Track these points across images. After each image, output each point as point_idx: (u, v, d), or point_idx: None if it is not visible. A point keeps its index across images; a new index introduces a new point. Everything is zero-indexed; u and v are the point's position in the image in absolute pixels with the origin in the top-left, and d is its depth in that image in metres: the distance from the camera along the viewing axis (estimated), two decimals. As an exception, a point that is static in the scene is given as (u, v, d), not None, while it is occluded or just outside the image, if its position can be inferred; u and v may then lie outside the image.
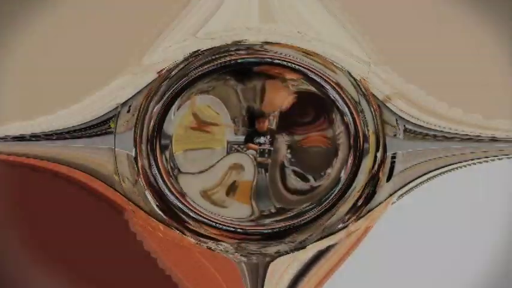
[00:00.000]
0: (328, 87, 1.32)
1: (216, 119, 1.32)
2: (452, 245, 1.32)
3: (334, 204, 1.33)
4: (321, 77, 1.32)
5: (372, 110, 1.33)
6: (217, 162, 1.32)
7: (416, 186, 1.33)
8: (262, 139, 1.31)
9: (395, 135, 1.32)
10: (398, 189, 1.33)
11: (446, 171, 1.33)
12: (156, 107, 1.32)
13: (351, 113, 1.31)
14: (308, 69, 1.32)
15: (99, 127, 1.31)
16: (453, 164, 1.32)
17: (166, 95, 1.31)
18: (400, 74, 1.33)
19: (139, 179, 1.32)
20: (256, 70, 1.32)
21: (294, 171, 1.32)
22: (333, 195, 1.32)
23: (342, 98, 1.31)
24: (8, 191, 1.31)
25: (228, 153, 1.32)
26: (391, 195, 1.33)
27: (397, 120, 1.32)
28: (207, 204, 1.33)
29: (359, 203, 1.34)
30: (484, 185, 1.33)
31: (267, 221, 1.33)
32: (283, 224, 1.33)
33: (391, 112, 1.33)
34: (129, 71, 1.32)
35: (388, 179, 1.33)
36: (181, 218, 1.34)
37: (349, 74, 1.33)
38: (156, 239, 1.32)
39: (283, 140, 1.31)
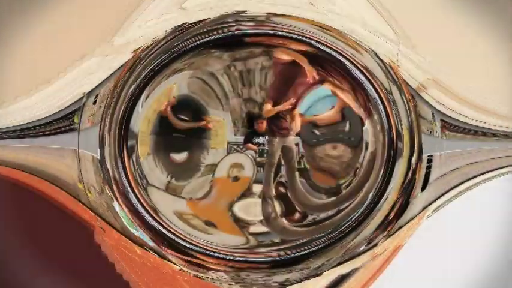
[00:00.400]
0: (353, 69, 1.20)
1: (200, 112, 1.25)
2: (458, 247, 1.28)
3: (359, 222, 1.22)
4: (344, 57, 1.20)
5: (405, 100, 1.21)
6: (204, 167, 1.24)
7: (455, 196, 1.23)
8: (261, 139, 1.23)
9: (431, 132, 1.21)
10: (435, 200, 1.22)
11: (497, 175, 1.22)
12: (128, 94, 1.22)
13: (383, 103, 1.20)
14: (328, 47, 1.21)
15: (60, 123, 1.21)
16: (506, 166, 1.22)
17: (140, 79, 1.21)
18: (437, 58, 1.22)
19: (106, 188, 1.22)
20: (255, 43, 1.21)
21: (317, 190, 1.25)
22: (360, 212, 1.22)
23: (372, 85, 1.20)
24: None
25: (228, 153, 1.23)
26: (425, 207, 1.22)
27: (433, 114, 1.21)
28: (187, 227, 1.25)
29: (390, 217, 1.22)
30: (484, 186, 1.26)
31: (267, 249, 1.25)
32: (292, 252, 1.24)
33: (426, 104, 1.21)
34: (97, 52, 1.23)
35: (423, 187, 1.22)
36: (162, 240, 1.23)
37: (376, 55, 1.21)
38: (131, 262, 1.24)
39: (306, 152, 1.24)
